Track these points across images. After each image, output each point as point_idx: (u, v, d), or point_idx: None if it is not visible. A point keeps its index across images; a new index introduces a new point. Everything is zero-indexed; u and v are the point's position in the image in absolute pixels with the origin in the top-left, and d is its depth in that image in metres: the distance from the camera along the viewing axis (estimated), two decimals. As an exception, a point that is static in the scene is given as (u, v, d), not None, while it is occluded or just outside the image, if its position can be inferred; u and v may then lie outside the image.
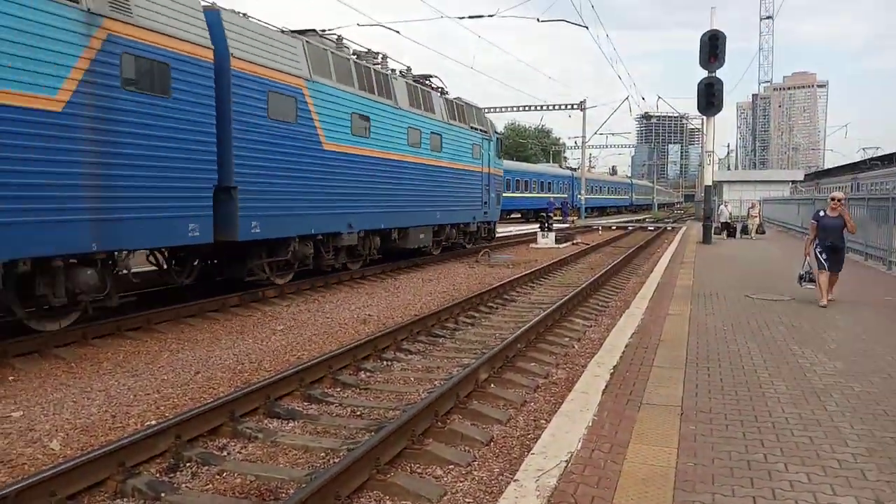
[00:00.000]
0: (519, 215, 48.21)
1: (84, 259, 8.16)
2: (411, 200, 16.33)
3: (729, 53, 19.82)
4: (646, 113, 68.87)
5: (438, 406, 5.54)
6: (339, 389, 6.66)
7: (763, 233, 26.06)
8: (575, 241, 27.00)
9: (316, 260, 13.02)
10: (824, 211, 9.59)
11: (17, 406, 5.93)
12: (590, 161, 67.17)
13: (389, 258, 16.72)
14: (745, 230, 26.06)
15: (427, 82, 18.18)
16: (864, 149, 74.57)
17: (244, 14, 11.06)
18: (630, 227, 39.94)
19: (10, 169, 7.00)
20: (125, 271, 9.16)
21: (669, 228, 38.45)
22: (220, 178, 10.02)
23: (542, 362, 7.63)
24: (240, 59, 10.36)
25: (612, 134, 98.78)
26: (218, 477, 4.55)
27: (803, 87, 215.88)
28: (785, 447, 4.05)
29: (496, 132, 23.19)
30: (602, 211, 66.18)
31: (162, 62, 8.86)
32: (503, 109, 49.80)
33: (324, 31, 14.04)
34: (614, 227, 40.29)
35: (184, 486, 4.43)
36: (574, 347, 8.51)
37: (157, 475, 4.56)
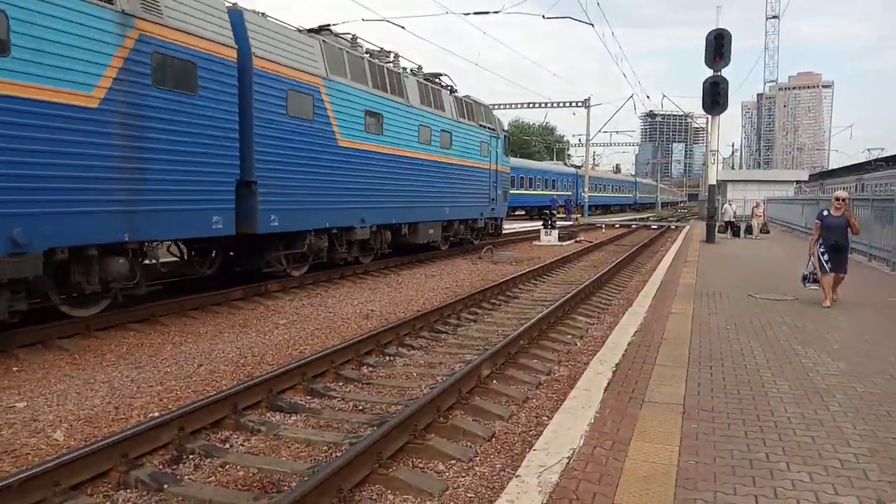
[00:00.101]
0: (523, 212, 48.17)
1: (116, 248, 8.53)
2: (422, 196, 16.60)
3: (734, 52, 19.78)
4: (650, 111, 68.85)
5: (441, 401, 5.54)
6: (341, 384, 6.67)
7: (767, 232, 26.00)
8: (578, 239, 26.96)
9: (330, 253, 13.36)
10: (828, 210, 9.58)
11: (21, 396, 5.96)
12: (594, 159, 66.94)
13: (399, 252, 16.92)
14: (749, 230, 25.99)
15: (437, 81, 18.35)
16: (868, 149, 74.34)
17: (263, 14, 11.29)
18: (633, 226, 39.90)
19: (51, 162, 7.37)
20: (153, 261, 9.57)
21: (673, 227, 38.39)
22: (241, 172, 10.35)
23: (544, 359, 7.63)
24: (261, 58, 10.69)
25: (617, 132, 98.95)
26: (220, 469, 4.56)
27: (808, 87, 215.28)
28: (787, 446, 4.05)
29: (504, 130, 23.34)
30: (606, 209, 66.08)
31: (190, 61, 9.19)
32: (507, 106, 49.68)
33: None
34: (618, 226, 40.23)
35: (186, 478, 4.44)
36: (576, 345, 8.51)
37: (160, 467, 4.58)
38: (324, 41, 12.60)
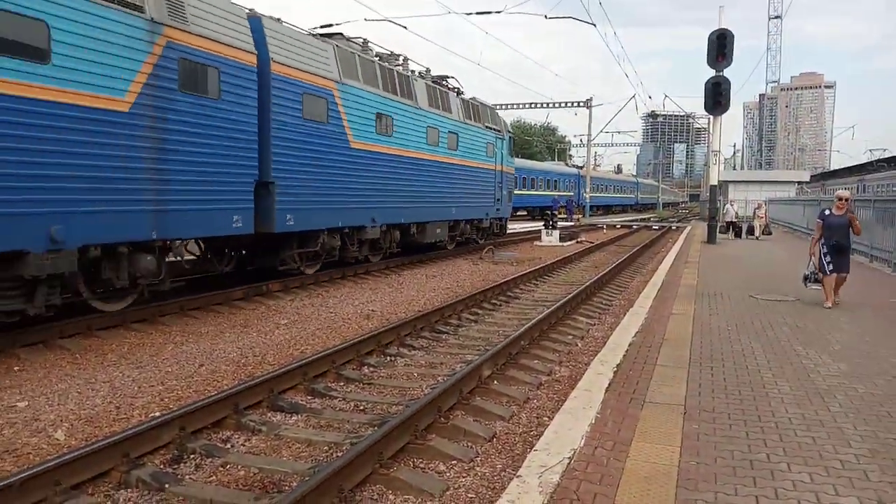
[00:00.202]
0: (525, 213, 48.12)
1: (144, 246, 8.84)
2: (429, 197, 16.85)
3: (737, 52, 19.79)
4: (652, 111, 68.85)
5: (441, 402, 5.55)
6: (342, 384, 6.68)
7: (769, 234, 25.95)
8: (579, 240, 26.95)
9: (342, 252, 13.67)
10: (830, 210, 9.58)
11: (22, 396, 5.97)
12: (595, 159, 66.94)
13: (405, 252, 17.10)
14: (750, 230, 25.95)
15: (444, 83, 18.52)
16: (870, 150, 74.20)
17: (279, 19, 11.52)
18: (635, 226, 39.88)
19: (86, 164, 7.67)
20: (178, 258, 9.93)
21: (674, 228, 38.37)
22: (260, 174, 10.70)
23: (545, 360, 7.63)
24: (279, 63, 10.99)
25: (618, 132, 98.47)
26: (221, 469, 4.57)
27: (811, 87, 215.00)
28: (788, 447, 4.05)
29: (509, 131, 23.53)
30: (607, 209, 66.05)
31: (213, 66, 9.52)
32: (509, 106, 49.68)
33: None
34: (619, 226, 40.19)
35: (187, 477, 4.45)
36: (577, 345, 8.51)
37: (161, 466, 4.58)
38: (337, 45, 12.85)
